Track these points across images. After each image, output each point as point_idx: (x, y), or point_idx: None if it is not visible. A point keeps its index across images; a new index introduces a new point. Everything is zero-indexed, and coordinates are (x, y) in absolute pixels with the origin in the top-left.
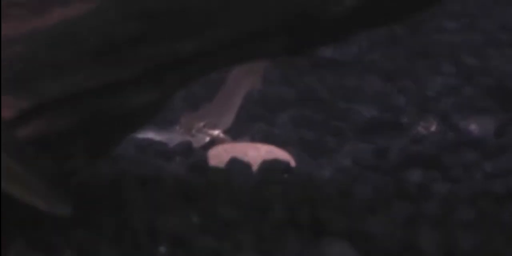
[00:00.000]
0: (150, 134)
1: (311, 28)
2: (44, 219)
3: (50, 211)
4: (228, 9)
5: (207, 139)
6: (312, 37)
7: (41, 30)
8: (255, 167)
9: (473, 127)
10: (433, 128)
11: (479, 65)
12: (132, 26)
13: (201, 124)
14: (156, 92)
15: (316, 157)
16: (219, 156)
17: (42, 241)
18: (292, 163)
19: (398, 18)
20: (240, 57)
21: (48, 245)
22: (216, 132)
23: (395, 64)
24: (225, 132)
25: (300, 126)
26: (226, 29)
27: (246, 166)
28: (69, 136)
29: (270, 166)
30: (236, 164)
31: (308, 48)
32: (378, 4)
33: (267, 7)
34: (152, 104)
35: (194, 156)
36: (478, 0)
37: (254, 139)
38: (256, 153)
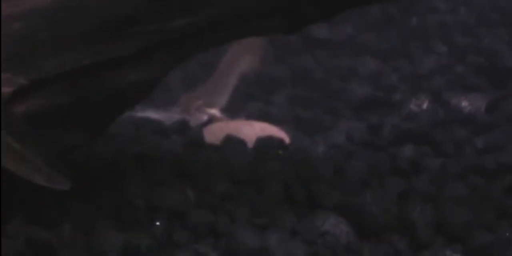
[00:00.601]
0: (148, 113)
1: (305, 5)
2: (43, 194)
3: (49, 185)
4: None
5: (205, 118)
6: (305, 14)
7: (39, 7)
8: (250, 144)
9: (464, 104)
10: (425, 106)
11: (471, 44)
12: (127, 5)
13: (200, 102)
14: (151, 70)
15: (311, 134)
16: (214, 133)
17: (41, 216)
18: (287, 140)
19: None
20: (234, 35)
21: (47, 220)
22: (213, 111)
23: (389, 44)
24: (222, 111)
25: (295, 105)
26: (219, 7)
27: (241, 143)
28: (68, 113)
29: (265, 143)
30: (231, 141)
31: (302, 26)
32: None
33: None
34: (147, 81)
35: (190, 134)
36: None
37: (250, 117)
38: (251, 130)
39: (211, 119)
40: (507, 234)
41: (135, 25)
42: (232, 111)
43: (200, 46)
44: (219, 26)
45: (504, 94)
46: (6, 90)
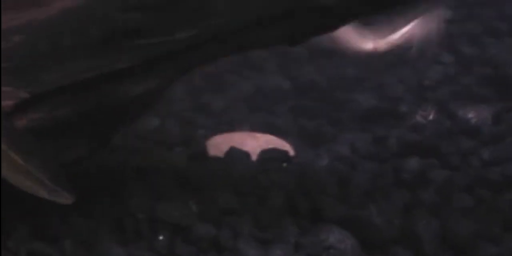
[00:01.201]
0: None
1: (309, 16)
2: (45, 208)
3: (52, 199)
4: None
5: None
6: (309, 25)
7: (40, 20)
8: (254, 156)
9: (471, 115)
10: (431, 117)
11: (477, 54)
12: (130, 17)
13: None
14: (154, 82)
15: (315, 146)
16: (218, 145)
17: (43, 230)
18: (291, 152)
19: (391, 5)
20: (238, 46)
21: (49, 234)
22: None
23: (393, 54)
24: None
25: (299, 116)
26: (222, 19)
27: (245, 155)
28: (70, 126)
29: (269, 155)
30: (235, 154)
31: (306, 37)
32: None
33: None
34: (151, 93)
35: (194, 146)
36: None
37: (254, 129)
38: (255, 142)
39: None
40: None
41: (139, 37)
42: (236, 122)
43: (204, 57)
44: (223, 37)
45: (511, 105)
46: (7, 103)
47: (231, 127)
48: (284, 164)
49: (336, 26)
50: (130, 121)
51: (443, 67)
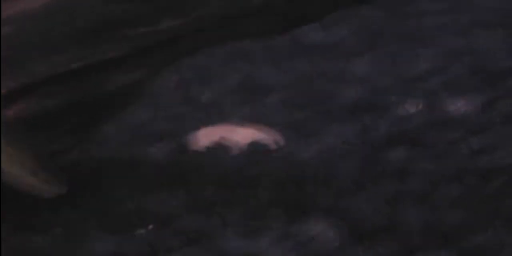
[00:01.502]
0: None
1: (294, 7)
2: (34, 199)
3: (45, 189)
4: None
5: None
6: (294, 15)
7: (29, 11)
8: (242, 147)
9: (459, 105)
10: (419, 107)
11: (465, 45)
12: (116, 7)
13: None
14: (141, 72)
15: (304, 137)
16: (206, 137)
17: (31, 221)
18: (280, 143)
19: None
20: (224, 37)
21: (37, 225)
22: None
23: (381, 46)
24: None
25: (289, 108)
26: (209, 9)
27: (233, 146)
28: (58, 116)
29: (256, 146)
30: (223, 145)
31: (294, 26)
32: None
33: None
34: (138, 84)
35: (182, 138)
36: None
37: (243, 120)
38: (244, 134)
39: None
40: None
41: (125, 27)
42: (225, 113)
43: (190, 48)
44: (210, 28)
45: (498, 95)
46: None
47: (220, 119)
48: (272, 155)
49: (320, 17)
50: (117, 112)
51: (430, 58)
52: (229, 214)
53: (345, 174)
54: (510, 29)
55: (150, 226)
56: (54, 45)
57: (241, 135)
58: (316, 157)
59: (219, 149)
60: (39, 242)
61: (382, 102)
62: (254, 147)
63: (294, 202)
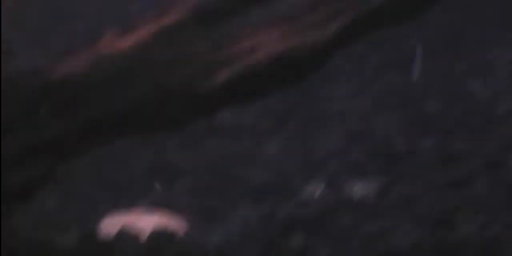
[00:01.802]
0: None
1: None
2: None
3: None
4: None
5: None
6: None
7: None
8: (146, 235)
9: (356, 189)
10: (319, 191)
11: (366, 129)
12: None
13: None
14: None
15: (209, 222)
16: (112, 224)
17: None
18: (184, 229)
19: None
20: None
21: None
22: None
23: (288, 130)
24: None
25: (195, 193)
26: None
27: (136, 235)
28: None
29: (160, 234)
30: (126, 233)
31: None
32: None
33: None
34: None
35: (88, 226)
36: (366, 65)
37: (149, 206)
38: (149, 220)
39: None
40: None
41: None
42: (133, 199)
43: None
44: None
45: (394, 179)
46: None
47: (131, 202)
48: (175, 243)
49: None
50: (26, 201)
51: (332, 141)
52: None
53: None
54: (408, 111)
55: None
56: None
57: (145, 222)
58: (218, 243)
59: (125, 237)
60: None
61: (285, 186)
62: (158, 234)
63: None
